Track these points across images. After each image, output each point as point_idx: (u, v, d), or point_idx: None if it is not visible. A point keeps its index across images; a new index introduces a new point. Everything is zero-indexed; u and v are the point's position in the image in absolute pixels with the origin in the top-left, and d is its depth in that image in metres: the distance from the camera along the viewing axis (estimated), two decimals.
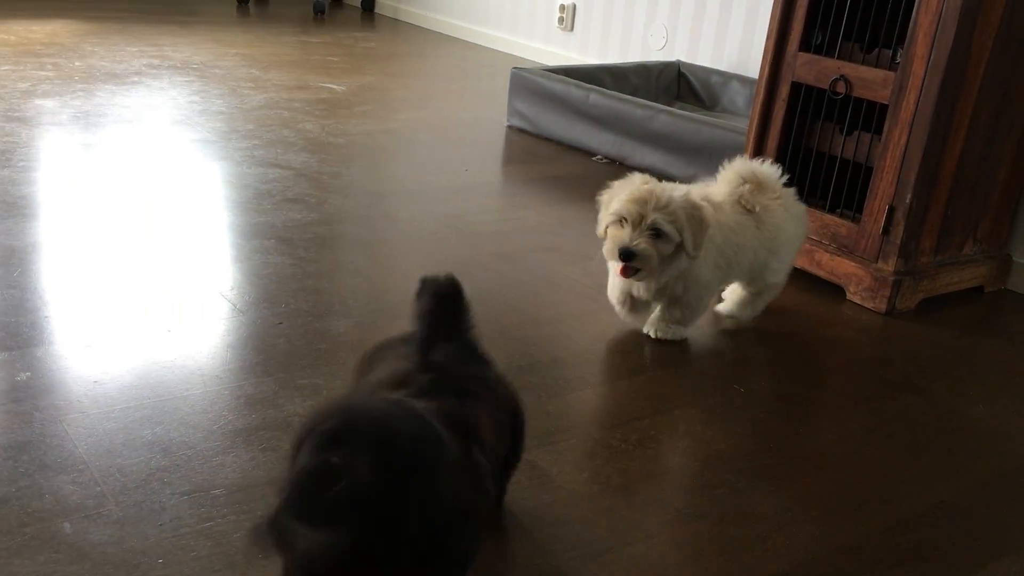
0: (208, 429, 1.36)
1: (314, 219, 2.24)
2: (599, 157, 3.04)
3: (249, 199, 2.32)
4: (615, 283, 1.81)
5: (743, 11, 3.55)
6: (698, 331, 1.87)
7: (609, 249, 1.68)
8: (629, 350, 1.76)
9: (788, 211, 1.87)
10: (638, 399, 1.59)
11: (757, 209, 1.82)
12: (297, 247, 2.06)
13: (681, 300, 1.77)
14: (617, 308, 1.84)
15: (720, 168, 1.91)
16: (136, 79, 3.38)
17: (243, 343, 1.62)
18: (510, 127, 3.30)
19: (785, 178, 1.90)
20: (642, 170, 2.95)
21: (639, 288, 1.76)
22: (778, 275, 1.90)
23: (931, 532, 1.31)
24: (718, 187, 1.87)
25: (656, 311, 1.83)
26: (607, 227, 1.70)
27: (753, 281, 1.89)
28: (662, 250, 1.66)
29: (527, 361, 1.67)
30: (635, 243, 1.64)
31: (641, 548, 1.21)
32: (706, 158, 2.76)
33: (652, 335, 1.82)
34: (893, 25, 2.02)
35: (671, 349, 1.78)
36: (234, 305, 1.76)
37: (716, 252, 1.76)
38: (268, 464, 1.30)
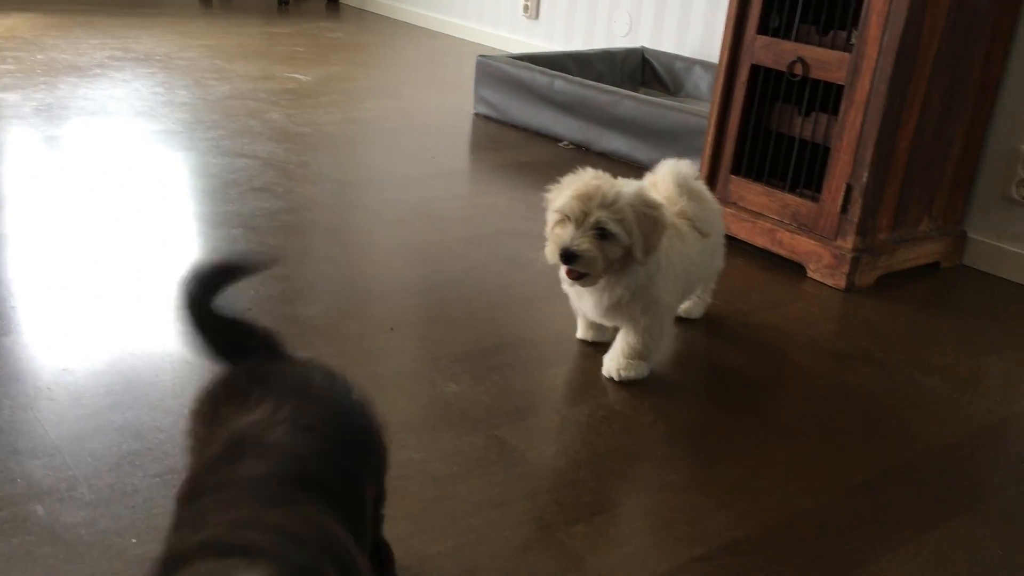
0: (179, 413, 1.37)
1: (282, 207, 2.25)
2: (565, 143, 3.07)
3: (216, 188, 2.32)
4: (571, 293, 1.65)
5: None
6: None
7: (550, 250, 1.50)
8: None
9: (716, 211, 1.76)
10: (603, 379, 1.62)
11: (705, 232, 1.69)
12: (265, 235, 2.07)
13: (639, 325, 1.58)
14: (578, 322, 1.75)
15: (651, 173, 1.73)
16: (99, 71, 3.36)
17: None
18: (476, 115, 3.32)
19: (700, 175, 1.78)
20: (608, 155, 2.99)
21: (588, 306, 1.60)
22: (718, 267, 1.85)
23: (886, 496, 1.36)
24: (663, 188, 1.68)
25: (613, 348, 1.64)
26: (552, 226, 1.53)
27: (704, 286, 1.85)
28: (608, 252, 1.47)
29: (496, 342, 1.70)
30: (576, 243, 1.45)
31: (607, 518, 1.25)
32: (671, 142, 2.79)
33: (614, 378, 1.60)
34: (848, 7, 2.06)
35: None
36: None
37: (680, 277, 1.62)
38: None
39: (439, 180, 2.57)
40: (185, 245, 1.98)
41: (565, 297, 1.86)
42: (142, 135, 2.69)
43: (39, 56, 3.50)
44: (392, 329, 1.71)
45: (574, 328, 1.78)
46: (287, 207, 2.25)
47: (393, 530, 1.17)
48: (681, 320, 1.87)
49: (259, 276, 1.86)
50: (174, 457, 1.27)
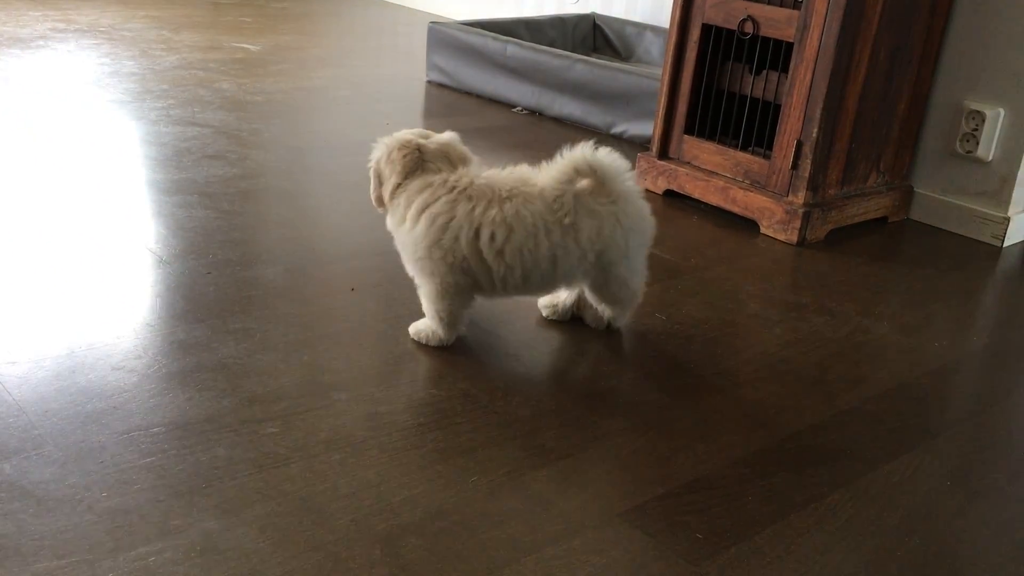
0: (142, 374, 1.37)
1: (236, 174, 2.23)
2: (519, 108, 3.08)
3: (168, 157, 2.30)
4: None
5: None
6: None
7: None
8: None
9: (624, 213, 1.54)
10: (563, 330, 1.64)
11: (567, 220, 1.47)
12: (221, 201, 2.06)
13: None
14: None
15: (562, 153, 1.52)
16: (42, 43, 3.29)
17: (172, 293, 1.63)
18: (430, 82, 3.31)
19: (632, 173, 1.58)
20: (561, 120, 3.01)
21: None
22: (625, 288, 1.57)
23: (840, 435, 1.40)
24: (546, 172, 1.50)
25: None
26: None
27: (597, 290, 1.57)
28: (374, 193, 1.56)
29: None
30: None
31: (571, 462, 1.27)
32: (624, 105, 2.82)
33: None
34: None
35: None
36: (160, 257, 1.76)
37: (463, 245, 1.45)
38: (206, 403, 1.32)
39: None
40: (141, 212, 1.96)
41: None
42: (90, 106, 2.65)
43: None
44: (353, 289, 1.72)
45: None
46: (242, 173, 2.24)
47: (362, 476, 1.19)
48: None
49: (216, 242, 1.85)
50: (139, 415, 1.27)
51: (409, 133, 1.55)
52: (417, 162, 1.51)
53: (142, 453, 1.19)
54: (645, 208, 1.60)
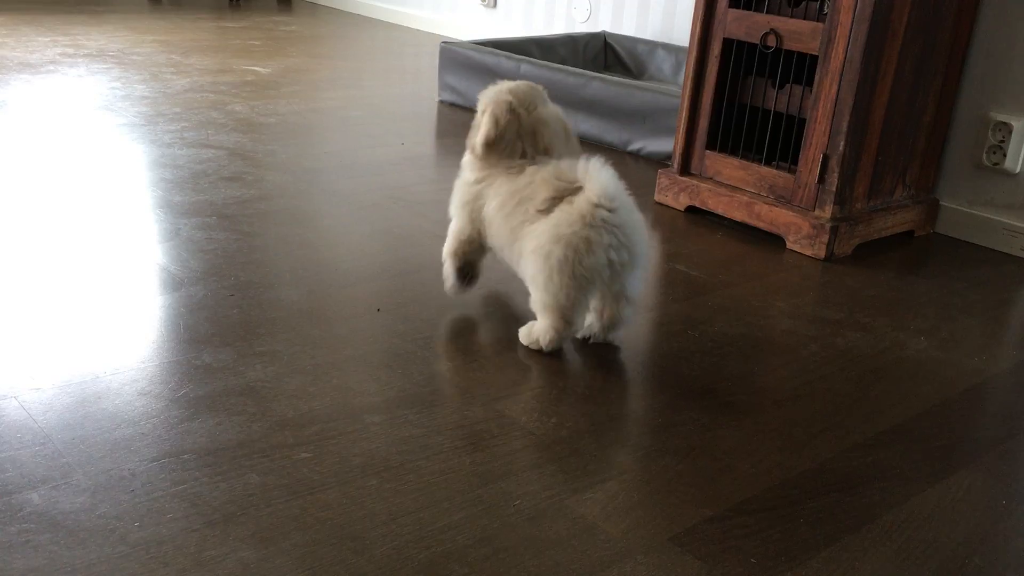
0: (169, 398, 1.34)
1: (254, 195, 2.20)
2: None
3: (185, 179, 2.27)
4: None
5: None
6: (648, 284, 1.90)
7: None
8: None
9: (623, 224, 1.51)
10: (597, 348, 1.61)
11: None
12: (240, 223, 2.03)
13: None
14: None
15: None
16: (52, 68, 3.28)
17: (195, 315, 1.60)
18: (442, 102, 3.29)
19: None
20: (577, 138, 2.98)
21: None
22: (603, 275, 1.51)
23: (887, 454, 1.36)
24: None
25: None
26: None
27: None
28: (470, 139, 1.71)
29: (484, 319, 1.68)
30: None
31: (614, 484, 1.23)
32: (639, 122, 2.79)
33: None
34: None
35: None
36: (182, 280, 1.72)
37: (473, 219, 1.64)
38: (236, 428, 1.28)
39: (410, 165, 2.54)
40: (160, 234, 1.93)
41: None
42: (104, 130, 2.62)
43: None
44: (379, 310, 1.68)
45: None
46: (260, 195, 2.21)
47: (400, 503, 1.15)
48: (664, 291, 1.86)
49: (238, 263, 1.82)
50: (169, 441, 1.23)
51: (516, 92, 1.64)
52: (507, 127, 1.60)
53: (174, 481, 1.15)
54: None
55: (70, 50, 3.59)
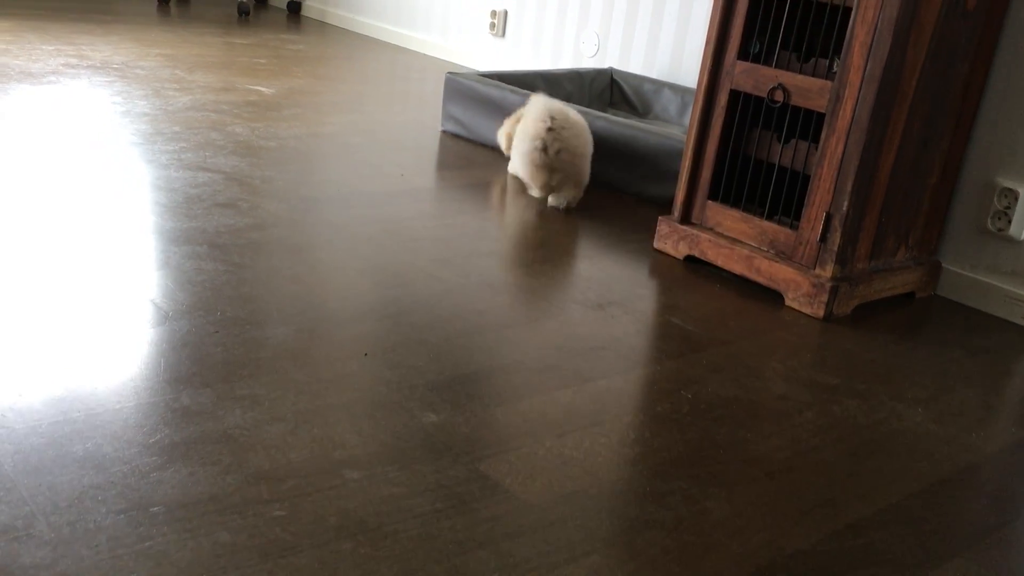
0: (143, 443, 1.30)
1: (247, 224, 2.17)
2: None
3: (178, 204, 2.24)
4: None
5: (674, 19, 3.58)
6: (643, 336, 1.87)
7: None
8: (576, 357, 1.74)
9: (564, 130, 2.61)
10: (586, 407, 1.57)
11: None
12: (231, 253, 1.99)
13: None
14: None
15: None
16: (53, 79, 3.25)
17: (177, 352, 1.56)
18: (444, 132, 3.26)
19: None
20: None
21: None
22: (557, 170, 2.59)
23: (880, 536, 1.32)
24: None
25: None
26: None
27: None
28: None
29: (473, 369, 1.64)
30: None
31: (598, 558, 1.19)
32: (641, 164, 2.77)
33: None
34: (829, 36, 2.05)
35: (617, 357, 1.77)
36: (167, 313, 1.69)
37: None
38: (209, 479, 1.24)
39: (408, 198, 2.51)
40: (148, 263, 1.89)
41: (543, 322, 1.82)
42: (101, 147, 2.59)
43: None
44: (366, 355, 1.64)
45: (553, 355, 1.73)
46: (253, 224, 2.18)
47: (376, 569, 1.11)
48: (658, 345, 1.83)
49: (225, 297, 1.78)
50: (139, 491, 1.19)
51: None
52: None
53: (140, 536, 1.11)
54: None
55: (74, 60, 3.57)
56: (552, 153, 2.52)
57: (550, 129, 2.52)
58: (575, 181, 2.58)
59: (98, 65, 3.55)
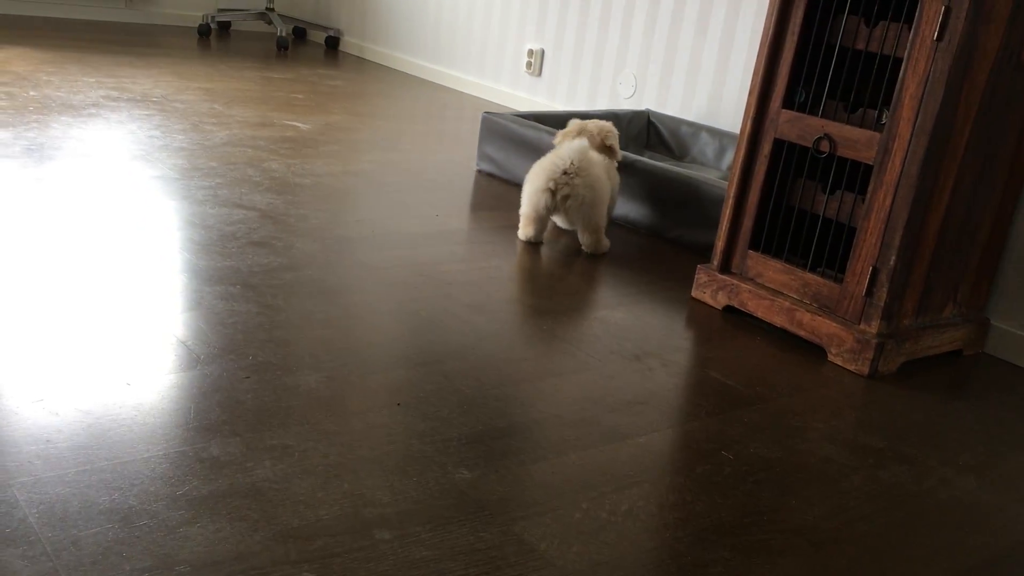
0: (170, 496, 1.26)
1: (282, 264, 2.15)
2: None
3: (213, 241, 2.22)
4: None
5: (712, 62, 3.56)
6: (681, 391, 1.82)
7: None
8: (613, 412, 1.69)
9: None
10: (624, 466, 1.52)
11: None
12: (264, 294, 1.97)
13: None
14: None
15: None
16: (93, 111, 3.27)
17: (208, 398, 1.53)
18: (479, 171, 3.24)
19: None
20: (613, 221, 2.92)
21: None
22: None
23: None
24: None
25: None
26: None
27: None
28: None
29: (508, 423, 1.60)
30: None
31: None
32: (679, 208, 2.73)
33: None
34: (878, 86, 2.01)
35: (655, 412, 1.72)
36: (198, 357, 1.66)
37: None
38: (236, 536, 1.20)
39: (442, 240, 2.49)
40: (180, 302, 1.87)
41: (578, 374, 1.78)
42: (137, 181, 2.59)
43: (32, 93, 3.41)
44: (399, 404, 1.61)
45: (589, 408, 1.68)
46: (287, 264, 2.16)
47: None
48: (697, 401, 1.78)
49: (257, 341, 1.76)
50: (165, 548, 1.16)
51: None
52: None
53: None
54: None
55: (114, 93, 3.60)
56: (559, 197, 2.46)
57: (565, 172, 2.46)
58: (583, 224, 2.52)
59: (138, 98, 3.57)
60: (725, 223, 2.24)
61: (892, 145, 1.91)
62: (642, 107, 3.81)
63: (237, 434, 1.44)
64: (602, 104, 4.03)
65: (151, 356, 1.64)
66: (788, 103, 2.10)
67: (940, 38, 1.82)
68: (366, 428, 1.52)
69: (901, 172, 1.90)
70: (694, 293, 2.32)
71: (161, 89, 3.79)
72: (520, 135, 3.11)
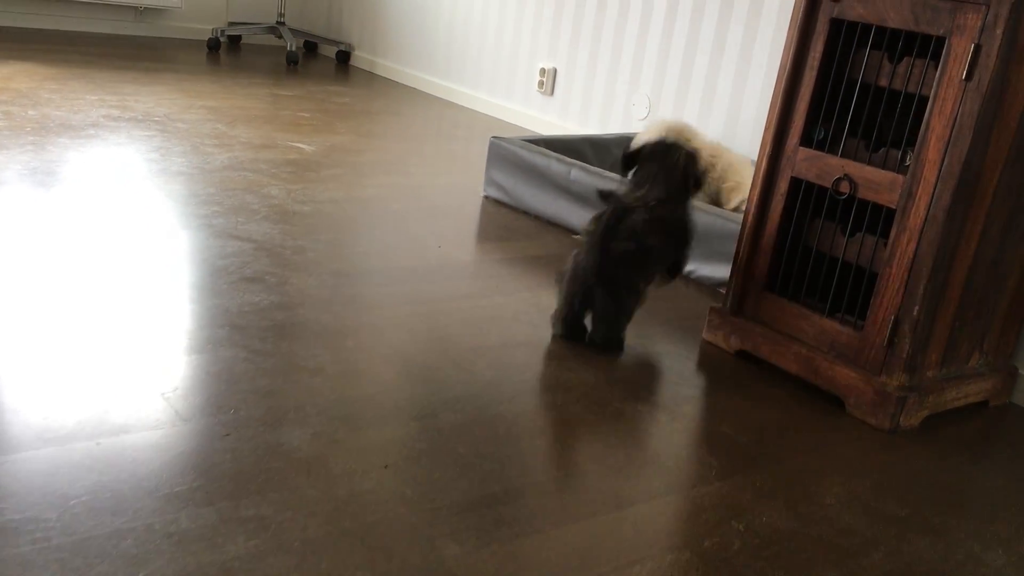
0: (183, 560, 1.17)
1: (273, 303, 2.06)
2: (579, 236, 2.89)
3: (204, 277, 2.13)
4: None
5: (728, 86, 3.45)
6: (689, 449, 1.71)
7: None
8: (615, 474, 1.59)
9: None
10: (626, 540, 1.42)
11: None
12: (252, 337, 1.88)
13: None
14: None
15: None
16: (92, 132, 3.20)
17: (184, 460, 1.43)
18: (486, 197, 3.15)
19: None
20: None
21: None
22: None
23: None
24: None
25: None
26: None
27: None
28: None
29: (502, 487, 1.50)
30: None
31: None
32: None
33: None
34: (903, 125, 1.90)
35: (660, 474, 1.62)
36: (177, 412, 1.57)
37: None
38: None
39: (443, 274, 2.39)
40: (164, 348, 1.78)
41: (579, 429, 1.68)
42: (130, 209, 2.51)
43: (31, 112, 3.34)
44: (386, 466, 1.51)
45: (591, 472, 1.58)
46: (279, 302, 2.06)
47: None
48: (706, 460, 1.67)
49: (241, 391, 1.66)
50: None
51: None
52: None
53: None
54: None
55: (115, 112, 3.52)
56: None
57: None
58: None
59: (140, 118, 3.50)
60: (740, 263, 2.13)
61: (917, 189, 1.81)
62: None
63: (211, 503, 1.34)
64: (615, 125, 3.93)
65: (125, 410, 1.55)
66: (806, 141, 1.99)
67: (969, 77, 1.71)
68: (350, 495, 1.42)
69: (926, 218, 1.79)
70: (705, 335, 2.21)
71: (164, 108, 3.72)
72: (529, 162, 3.02)
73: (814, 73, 1.96)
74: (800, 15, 1.96)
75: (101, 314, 1.88)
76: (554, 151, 3.11)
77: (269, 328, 1.93)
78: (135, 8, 5.27)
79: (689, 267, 2.65)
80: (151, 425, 1.52)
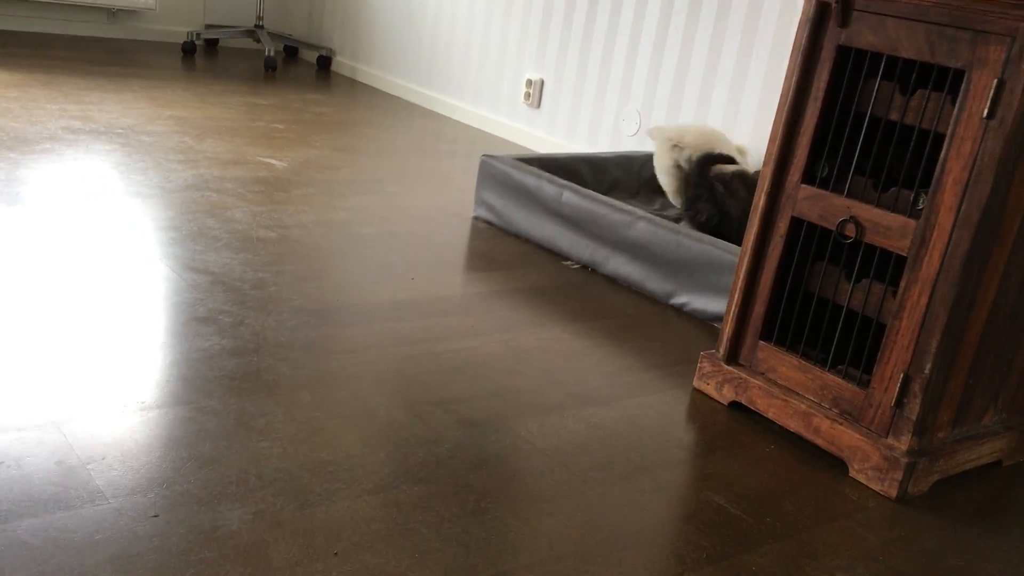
0: None
1: (225, 348, 1.88)
2: (571, 262, 2.72)
3: (150, 317, 1.96)
4: None
5: (722, 103, 3.28)
6: (676, 525, 1.54)
7: None
8: (593, 559, 1.42)
9: None
10: None
11: None
12: (198, 391, 1.70)
13: None
14: None
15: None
16: (48, 146, 3.01)
17: (99, 552, 1.26)
18: (476, 218, 2.97)
19: None
20: (616, 280, 2.65)
21: None
22: None
23: None
24: None
25: None
26: None
27: None
28: None
29: (496, 571, 1.33)
30: None
31: None
32: (686, 274, 2.46)
33: None
34: (916, 163, 1.74)
35: (644, 561, 1.44)
36: (99, 489, 1.39)
37: None
38: None
39: (416, 311, 2.21)
40: (95, 414, 1.60)
41: (556, 501, 1.51)
42: (76, 237, 2.33)
43: None
44: (336, 554, 1.34)
45: (568, 558, 1.41)
46: (232, 347, 1.89)
47: None
48: (696, 539, 1.50)
49: (177, 461, 1.49)
50: None
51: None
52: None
53: None
54: None
55: (76, 123, 3.34)
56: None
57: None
58: None
59: (101, 130, 3.31)
60: (733, 307, 1.96)
61: (931, 236, 1.64)
62: (648, 147, 3.54)
63: None
64: (603, 140, 3.76)
65: (39, 491, 1.37)
66: (808, 178, 1.82)
67: (991, 115, 1.55)
68: None
69: (940, 267, 1.63)
70: (696, 384, 2.04)
71: (130, 118, 3.53)
72: (520, 183, 2.84)
73: (818, 104, 1.79)
74: (804, 41, 1.79)
75: (21, 365, 1.70)
76: (548, 171, 2.94)
77: (218, 379, 1.76)
78: (108, 10, 5.07)
79: (682, 299, 2.48)
80: (67, 506, 1.34)
